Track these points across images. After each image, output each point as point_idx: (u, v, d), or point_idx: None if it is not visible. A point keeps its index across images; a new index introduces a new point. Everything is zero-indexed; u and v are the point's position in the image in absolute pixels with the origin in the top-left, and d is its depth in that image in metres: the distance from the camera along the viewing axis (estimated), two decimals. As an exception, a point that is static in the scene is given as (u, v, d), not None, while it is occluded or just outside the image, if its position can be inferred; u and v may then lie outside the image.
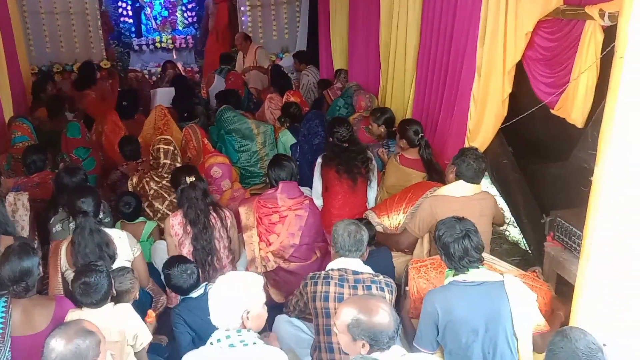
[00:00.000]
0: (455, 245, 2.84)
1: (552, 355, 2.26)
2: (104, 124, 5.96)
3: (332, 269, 3.09)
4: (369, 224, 3.91)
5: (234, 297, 2.45)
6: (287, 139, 6.04)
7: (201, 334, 3.11)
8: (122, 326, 2.89)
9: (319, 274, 3.09)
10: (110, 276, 3.00)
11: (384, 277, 3.07)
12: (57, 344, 2.19)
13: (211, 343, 2.43)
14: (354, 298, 2.69)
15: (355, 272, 3.05)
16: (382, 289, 2.98)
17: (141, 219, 4.41)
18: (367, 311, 2.36)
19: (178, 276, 3.31)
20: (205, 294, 3.19)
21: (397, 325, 2.37)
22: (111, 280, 3.01)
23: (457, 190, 3.75)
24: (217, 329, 2.48)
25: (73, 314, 2.85)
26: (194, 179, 3.80)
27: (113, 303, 3.01)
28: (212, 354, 2.40)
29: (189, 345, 3.11)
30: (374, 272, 3.11)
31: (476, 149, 3.89)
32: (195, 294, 3.34)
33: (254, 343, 2.42)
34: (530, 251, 4.69)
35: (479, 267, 2.87)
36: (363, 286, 2.98)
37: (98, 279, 2.89)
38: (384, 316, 2.35)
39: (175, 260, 3.42)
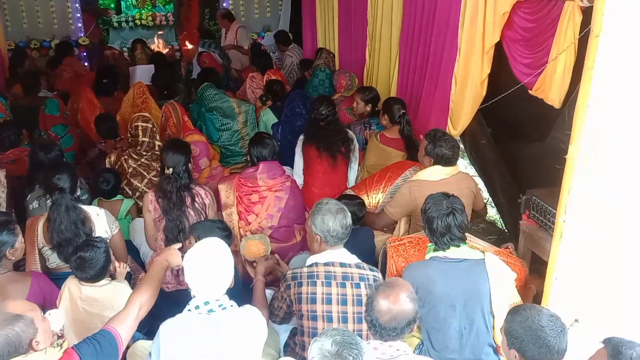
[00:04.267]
0: (439, 221, 2.88)
1: (515, 340, 2.22)
2: (79, 102, 5.86)
3: (317, 264, 2.88)
4: (362, 204, 3.93)
5: (224, 267, 2.48)
6: (268, 118, 6.01)
7: None
8: (115, 304, 2.91)
9: (302, 272, 2.86)
10: (108, 252, 3.03)
11: (369, 268, 2.91)
12: None
13: (189, 310, 2.43)
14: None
15: (342, 264, 2.88)
16: (370, 287, 2.76)
17: (119, 196, 4.38)
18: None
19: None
20: None
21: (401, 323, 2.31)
22: (109, 257, 3.03)
23: (434, 174, 3.78)
24: None
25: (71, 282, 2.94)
26: (171, 171, 3.70)
27: (109, 279, 3.04)
28: (192, 320, 2.40)
29: None
30: (358, 262, 2.94)
31: (444, 133, 3.90)
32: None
33: (231, 306, 2.46)
34: (506, 230, 4.76)
35: (459, 246, 2.90)
36: (352, 283, 2.82)
37: (94, 254, 2.94)
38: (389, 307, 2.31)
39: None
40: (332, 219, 2.88)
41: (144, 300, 2.46)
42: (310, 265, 2.89)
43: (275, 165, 4.09)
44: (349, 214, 2.96)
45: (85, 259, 2.91)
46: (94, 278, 2.96)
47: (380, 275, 2.94)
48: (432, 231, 2.92)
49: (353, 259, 2.94)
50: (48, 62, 8.01)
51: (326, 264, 2.87)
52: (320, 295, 2.80)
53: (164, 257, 2.76)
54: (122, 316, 2.39)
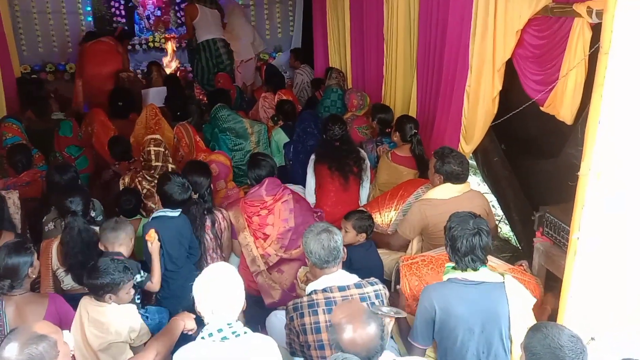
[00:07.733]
0: (464, 240, 2.78)
1: (533, 357, 2.18)
2: (93, 124, 5.93)
3: (316, 291, 2.83)
4: (370, 217, 3.91)
5: (237, 292, 2.49)
6: (280, 137, 6.03)
7: (169, 250, 3.52)
8: (122, 327, 2.91)
9: (302, 303, 2.81)
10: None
11: (370, 285, 2.87)
12: (9, 355, 2.08)
13: (202, 338, 2.42)
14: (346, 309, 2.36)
15: (341, 288, 2.82)
16: (372, 305, 2.76)
17: (138, 216, 4.41)
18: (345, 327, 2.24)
19: (174, 185, 3.57)
20: (180, 216, 3.58)
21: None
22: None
23: (445, 192, 3.77)
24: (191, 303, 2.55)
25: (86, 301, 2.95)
26: (197, 196, 3.79)
27: (117, 304, 2.99)
28: (206, 348, 2.39)
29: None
30: (358, 281, 2.88)
31: (452, 150, 3.90)
32: (173, 213, 3.59)
33: (245, 332, 2.45)
34: (520, 247, 4.72)
35: (477, 269, 2.81)
36: None
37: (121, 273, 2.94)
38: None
39: (178, 174, 3.74)
40: (313, 240, 2.86)
41: (161, 349, 2.61)
42: (310, 294, 2.85)
43: (275, 183, 4.14)
44: (337, 236, 2.89)
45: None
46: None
47: (381, 287, 2.89)
48: (454, 250, 2.82)
49: (352, 279, 2.89)
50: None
51: (324, 291, 2.82)
52: (323, 323, 2.75)
53: (182, 319, 2.85)
54: (140, 358, 2.57)
